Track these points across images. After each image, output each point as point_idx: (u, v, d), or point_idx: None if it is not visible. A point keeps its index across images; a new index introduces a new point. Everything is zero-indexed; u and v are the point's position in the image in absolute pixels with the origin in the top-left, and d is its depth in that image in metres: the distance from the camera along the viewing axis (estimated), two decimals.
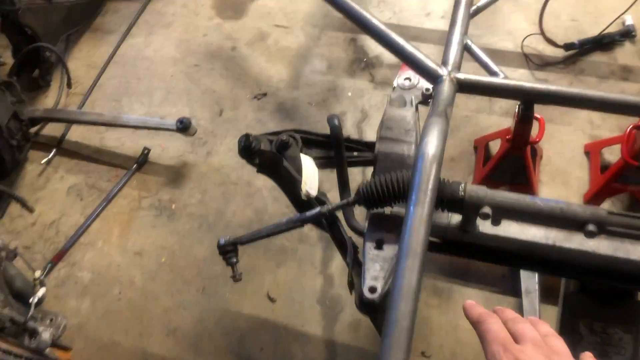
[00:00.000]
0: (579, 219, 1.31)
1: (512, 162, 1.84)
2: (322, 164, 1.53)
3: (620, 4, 2.33)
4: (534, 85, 1.62)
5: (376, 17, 1.80)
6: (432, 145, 1.28)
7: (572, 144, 2.02)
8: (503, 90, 1.66)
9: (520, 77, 2.18)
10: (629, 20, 2.24)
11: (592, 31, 2.25)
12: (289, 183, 1.42)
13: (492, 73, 1.69)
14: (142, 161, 2.10)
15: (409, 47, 1.76)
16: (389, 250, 1.29)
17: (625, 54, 2.20)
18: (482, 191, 1.36)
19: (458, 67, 1.69)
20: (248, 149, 1.36)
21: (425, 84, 1.80)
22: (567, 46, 2.19)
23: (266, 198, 2.01)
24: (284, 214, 1.97)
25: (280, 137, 1.42)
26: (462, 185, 1.32)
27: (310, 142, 1.52)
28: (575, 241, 1.33)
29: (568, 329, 1.44)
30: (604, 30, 2.19)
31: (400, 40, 1.78)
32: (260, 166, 1.38)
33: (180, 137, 2.08)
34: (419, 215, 1.12)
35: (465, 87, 1.68)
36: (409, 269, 1.03)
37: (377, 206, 1.26)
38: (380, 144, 1.42)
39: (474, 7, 1.80)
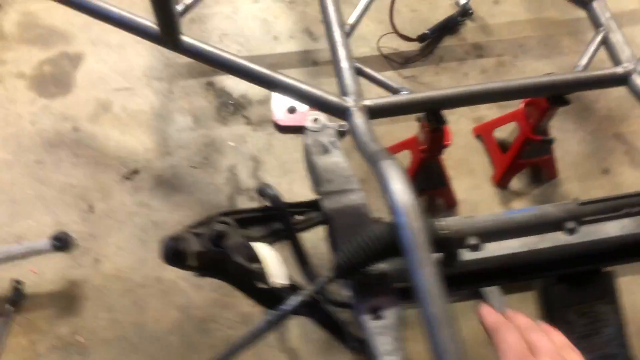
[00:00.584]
0: (556, 219, 1.31)
1: (426, 170, 1.82)
2: (269, 241, 1.34)
3: None
4: (442, 92, 1.60)
5: (257, 64, 1.65)
6: (402, 192, 1.17)
7: (460, 131, 2.06)
8: (414, 105, 1.61)
9: (389, 79, 2.16)
10: None
11: (434, 17, 2.31)
12: (245, 278, 1.21)
13: (395, 90, 1.62)
14: (17, 298, 1.68)
15: (304, 86, 1.65)
16: (390, 315, 1.16)
17: (470, 32, 2.30)
18: (461, 222, 1.31)
19: (360, 94, 1.61)
20: (179, 255, 1.12)
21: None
22: (421, 38, 2.22)
23: (186, 289, 1.74)
24: (214, 300, 1.73)
25: (212, 227, 1.20)
26: (440, 222, 1.26)
27: (245, 221, 1.31)
28: (549, 239, 1.33)
29: (559, 321, 1.45)
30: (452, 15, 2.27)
31: (291, 80, 1.66)
32: (200, 270, 1.16)
33: (55, 254, 1.71)
34: (429, 276, 1.00)
35: (376, 113, 1.61)
36: (449, 338, 0.92)
37: (360, 274, 1.13)
38: (327, 201, 1.28)
39: (347, 27, 1.70)
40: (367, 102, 1.53)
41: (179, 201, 1.88)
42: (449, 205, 1.92)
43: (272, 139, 2.02)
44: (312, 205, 1.34)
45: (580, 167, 2.02)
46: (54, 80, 2.11)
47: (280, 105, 2.07)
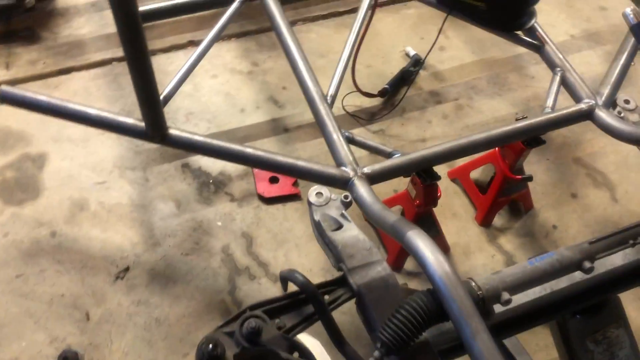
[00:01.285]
0: (575, 262, 1.38)
1: (420, 222, 1.87)
2: (303, 327, 1.34)
3: (395, 38, 2.55)
4: (433, 150, 1.67)
5: (249, 146, 1.66)
6: (438, 262, 1.22)
7: None
8: (409, 166, 1.67)
9: (361, 136, 2.22)
10: (411, 51, 2.46)
11: (388, 71, 2.41)
12: None
13: (389, 154, 1.67)
14: None
15: (301, 162, 1.67)
16: None
17: (425, 81, 2.41)
18: (492, 280, 1.36)
19: (357, 163, 1.65)
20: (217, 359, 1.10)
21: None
22: (381, 93, 2.30)
23: None
24: None
25: (247, 324, 1.19)
26: (473, 283, 1.31)
27: (275, 311, 1.31)
28: (565, 278, 1.41)
29: (580, 352, 1.52)
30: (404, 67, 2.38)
31: (289, 159, 1.67)
32: None
33: None
34: (486, 343, 1.05)
35: (376, 179, 1.66)
36: None
37: (407, 348, 1.15)
38: (353, 276, 1.30)
39: (329, 98, 1.75)
40: (366, 170, 1.57)
41: (178, 292, 1.82)
42: (443, 251, 1.97)
43: (259, 212, 2.01)
44: (337, 283, 1.34)
45: (551, 195, 2.15)
46: (19, 185, 2.00)
47: (262, 178, 2.08)
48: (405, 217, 1.87)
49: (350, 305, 1.23)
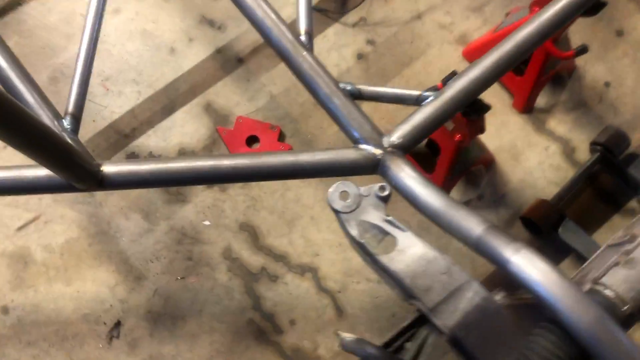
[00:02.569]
0: None
1: (463, 152, 1.44)
2: None
3: None
4: (470, 76, 1.23)
5: (224, 155, 1.19)
6: (569, 295, 0.90)
7: (450, 62, 1.64)
8: (449, 109, 1.20)
9: (342, 39, 1.66)
10: None
11: None
12: None
13: (417, 99, 1.17)
14: None
15: (306, 156, 1.21)
16: None
17: None
18: (630, 278, 1.04)
19: (381, 132, 1.19)
20: None
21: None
22: None
23: None
24: None
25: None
26: (609, 292, 1.01)
27: None
28: None
29: None
30: None
31: (289, 157, 1.23)
32: None
33: None
34: None
35: (412, 145, 1.21)
36: None
37: None
38: (440, 317, 0.98)
39: (304, 38, 1.19)
40: (395, 139, 1.11)
41: (193, 330, 1.44)
42: (487, 164, 1.57)
43: (250, 191, 1.54)
44: (418, 322, 1.01)
45: (592, 41, 1.68)
46: None
47: (237, 143, 1.57)
48: (445, 153, 1.42)
49: None
